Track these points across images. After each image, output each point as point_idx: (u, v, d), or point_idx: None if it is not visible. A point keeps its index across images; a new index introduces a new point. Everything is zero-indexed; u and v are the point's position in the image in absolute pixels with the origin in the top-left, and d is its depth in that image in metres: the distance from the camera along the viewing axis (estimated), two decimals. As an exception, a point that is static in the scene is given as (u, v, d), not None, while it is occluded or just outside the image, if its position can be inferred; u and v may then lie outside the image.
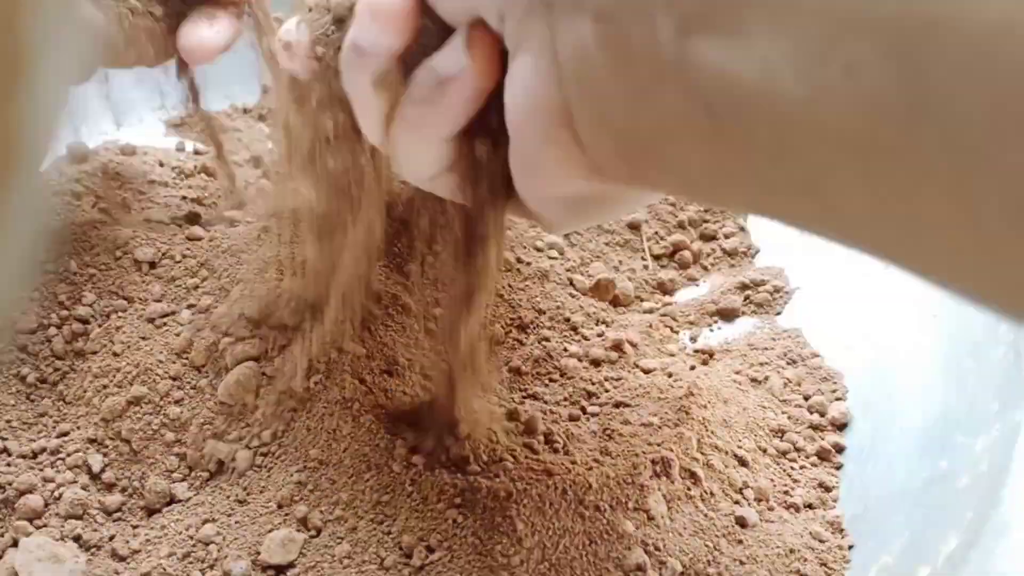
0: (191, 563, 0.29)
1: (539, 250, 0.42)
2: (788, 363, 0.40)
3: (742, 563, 0.30)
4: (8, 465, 0.33)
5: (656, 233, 0.46)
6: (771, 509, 0.33)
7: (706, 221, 0.47)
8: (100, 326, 0.36)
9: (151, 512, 0.32)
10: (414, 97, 0.24)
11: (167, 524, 0.31)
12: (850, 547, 0.32)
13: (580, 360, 0.39)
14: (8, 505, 0.31)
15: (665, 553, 0.29)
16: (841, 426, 0.37)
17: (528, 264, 0.41)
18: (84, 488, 0.32)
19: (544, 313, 0.40)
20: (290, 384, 0.31)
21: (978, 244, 0.15)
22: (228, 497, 0.31)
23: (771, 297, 0.43)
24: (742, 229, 0.47)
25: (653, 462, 0.31)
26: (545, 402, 0.35)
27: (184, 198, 0.42)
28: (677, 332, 0.42)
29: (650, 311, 0.43)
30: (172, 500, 0.32)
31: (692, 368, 0.39)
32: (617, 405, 0.36)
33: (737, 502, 0.32)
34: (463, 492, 0.28)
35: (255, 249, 0.36)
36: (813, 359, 0.40)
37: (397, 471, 0.29)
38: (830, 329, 0.41)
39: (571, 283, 0.42)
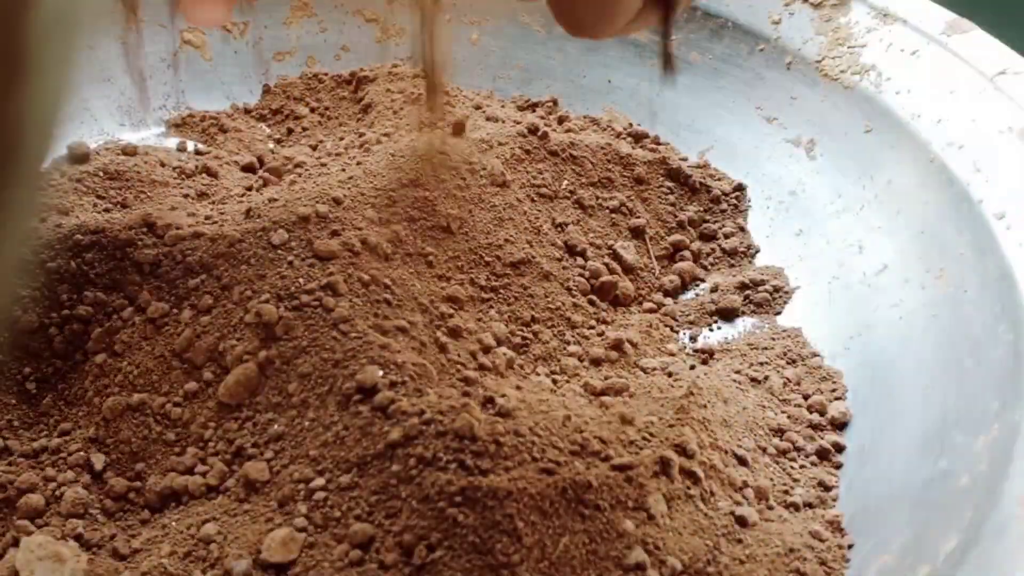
0: (192, 562, 0.29)
1: (541, 246, 0.42)
2: (788, 363, 0.40)
3: (742, 562, 0.30)
4: (9, 464, 0.33)
5: (656, 233, 0.46)
6: (771, 508, 0.33)
7: (706, 221, 0.47)
8: (101, 326, 0.36)
9: (152, 511, 0.32)
10: None
11: (168, 523, 0.31)
12: (850, 546, 0.32)
13: (580, 360, 0.39)
14: (9, 504, 0.31)
15: (665, 552, 0.29)
16: (841, 426, 0.37)
17: (528, 263, 0.41)
18: (85, 487, 0.32)
19: (544, 312, 0.40)
20: None
21: None
22: (229, 496, 0.31)
23: (771, 297, 0.43)
24: (742, 229, 0.47)
25: (653, 462, 0.31)
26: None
27: (185, 197, 0.42)
28: (677, 332, 0.42)
29: (650, 311, 0.43)
30: (173, 499, 0.32)
31: (692, 368, 0.39)
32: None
33: (737, 501, 0.32)
34: (463, 491, 0.28)
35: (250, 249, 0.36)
36: (813, 359, 0.40)
37: (397, 470, 0.29)
38: (830, 329, 0.41)
39: (571, 283, 0.42)
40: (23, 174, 0.17)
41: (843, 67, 0.47)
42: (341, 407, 0.32)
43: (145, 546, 0.30)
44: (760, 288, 0.44)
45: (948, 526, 0.29)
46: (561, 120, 0.51)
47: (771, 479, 0.34)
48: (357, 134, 0.49)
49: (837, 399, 0.38)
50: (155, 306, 0.36)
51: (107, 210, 0.40)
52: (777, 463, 0.35)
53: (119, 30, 0.38)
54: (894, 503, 0.32)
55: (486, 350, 0.37)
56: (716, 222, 0.47)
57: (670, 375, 0.38)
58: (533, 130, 0.46)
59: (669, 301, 0.44)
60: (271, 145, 0.51)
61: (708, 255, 0.46)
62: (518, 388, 0.35)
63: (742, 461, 0.34)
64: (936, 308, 0.37)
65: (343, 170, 0.41)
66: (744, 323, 0.43)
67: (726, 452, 0.33)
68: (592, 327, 0.41)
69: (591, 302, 0.42)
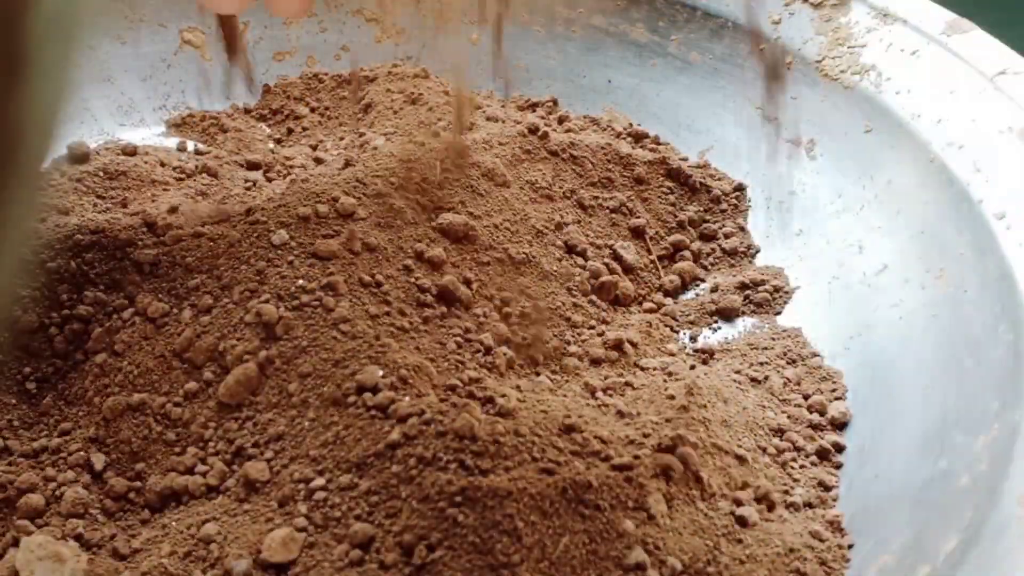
0: (192, 562, 0.29)
1: (542, 246, 0.42)
2: (788, 363, 0.40)
3: (742, 562, 0.30)
4: (9, 464, 0.33)
5: (656, 233, 0.46)
6: (771, 508, 0.33)
7: (706, 221, 0.47)
8: (101, 326, 0.36)
9: (152, 511, 0.32)
10: None
11: (168, 523, 0.31)
12: (850, 546, 0.32)
13: (580, 360, 0.39)
14: (9, 504, 0.31)
15: (665, 552, 0.29)
16: (841, 426, 0.37)
17: (529, 263, 0.41)
18: (85, 487, 0.32)
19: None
20: None
21: None
22: (229, 496, 0.31)
23: (771, 297, 0.43)
24: (742, 229, 0.47)
25: (653, 462, 0.31)
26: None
27: (185, 197, 0.42)
28: (677, 332, 0.42)
29: (650, 311, 0.43)
30: (173, 499, 0.32)
31: (692, 368, 0.39)
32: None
33: (737, 501, 0.32)
34: (463, 491, 0.28)
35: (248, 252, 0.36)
36: (813, 359, 0.40)
37: (397, 470, 0.29)
38: (830, 329, 0.41)
39: (571, 283, 0.42)
40: (23, 174, 0.17)
41: (843, 67, 0.47)
42: (341, 407, 0.32)
43: (145, 546, 0.30)
44: (760, 288, 0.43)
45: (948, 526, 0.29)
46: (561, 120, 0.51)
47: (771, 479, 0.34)
48: (357, 134, 0.49)
49: (837, 399, 0.38)
50: (155, 306, 0.36)
51: (107, 210, 0.40)
52: (777, 463, 0.35)
53: (119, 30, 0.38)
54: (894, 503, 0.32)
55: (486, 350, 0.37)
56: (716, 222, 0.47)
57: (670, 375, 0.38)
58: (533, 130, 0.46)
59: (669, 301, 0.44)
60: (271, 145, 0.51)
61: (708, 255, 0.46)
62: (518, 388, 0.35)
63: (742, 461, 0.34)
64: (936, 308, 0.37)
65: (343, 170, 0.41)
66: (744, 323, 0.43)
67: (726, 452, 0.33)
68: (592, 327, 0.41)
69: (591, 302, 0.42)
